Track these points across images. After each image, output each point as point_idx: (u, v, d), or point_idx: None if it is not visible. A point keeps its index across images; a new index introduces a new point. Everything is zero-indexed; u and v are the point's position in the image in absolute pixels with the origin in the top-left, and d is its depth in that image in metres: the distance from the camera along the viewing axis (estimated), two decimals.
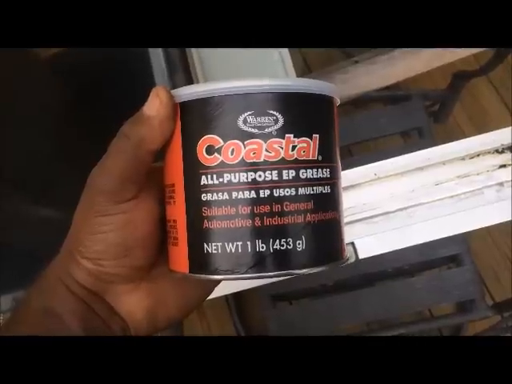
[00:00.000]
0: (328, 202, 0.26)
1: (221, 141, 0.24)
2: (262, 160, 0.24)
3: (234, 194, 0.24)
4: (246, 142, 0.24)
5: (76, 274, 0.27)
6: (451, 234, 0.53)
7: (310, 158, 0.25)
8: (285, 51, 0.62)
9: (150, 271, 0.29)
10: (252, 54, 0.62)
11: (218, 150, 0.24)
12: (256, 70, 0.61)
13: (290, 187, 0.24)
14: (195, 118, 0.25)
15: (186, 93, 0.25)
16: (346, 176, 0.56)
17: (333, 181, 0.26)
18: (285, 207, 0.24)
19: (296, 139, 0.24)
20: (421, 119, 0.89)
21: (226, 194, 0.24)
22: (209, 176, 0.24)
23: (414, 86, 0.97)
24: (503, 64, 0.85)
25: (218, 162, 0.24)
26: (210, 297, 0.31)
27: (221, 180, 0.24)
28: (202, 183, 0.24)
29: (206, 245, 0.25)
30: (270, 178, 0.24)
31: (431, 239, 0.53)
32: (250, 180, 0.24)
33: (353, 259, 0.52)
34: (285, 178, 0.24)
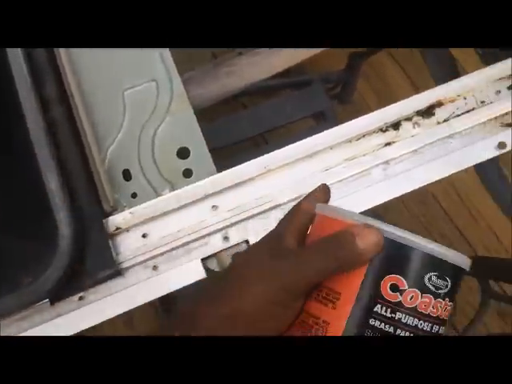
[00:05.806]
0: None
1: (406, 285, 0.29)
2: (427, 313, 0.29)
3: (398, 331, 0.29)
4: (423, 295, 0.29)
5: None
6: None
7: (445, 318, 0.30)
8: (166, 50, 0.59)
9: None
10: (130, 54, 0.59)
11: (401, 292, 0.29)
12: (132, 69, 0.58)
13: None
14: (389, 255, 0.29)
15: (388, 231, 0.29)
16: (238, 172, 0.55)
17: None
18: None
19: (449, 303, 0.30)
20: (322, 103, 0.89)
21: (392, 328, 0.29)
22: (384, 307, 0.29)
23: (314, 69, 0.97)
24: None
25: (397, 300, 0.29)
26: None
27: (393, 315, 0.29)
28: (374, 309, 0.29)
29: None
30: (426, 329, 0.29)
31: None
32: (413, 325, 0.29)
33: None
34: (433, 331, 0.30)
